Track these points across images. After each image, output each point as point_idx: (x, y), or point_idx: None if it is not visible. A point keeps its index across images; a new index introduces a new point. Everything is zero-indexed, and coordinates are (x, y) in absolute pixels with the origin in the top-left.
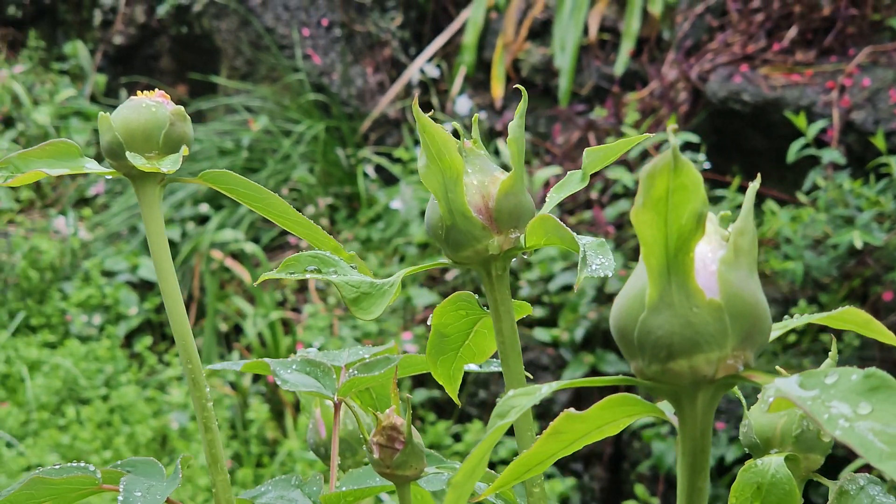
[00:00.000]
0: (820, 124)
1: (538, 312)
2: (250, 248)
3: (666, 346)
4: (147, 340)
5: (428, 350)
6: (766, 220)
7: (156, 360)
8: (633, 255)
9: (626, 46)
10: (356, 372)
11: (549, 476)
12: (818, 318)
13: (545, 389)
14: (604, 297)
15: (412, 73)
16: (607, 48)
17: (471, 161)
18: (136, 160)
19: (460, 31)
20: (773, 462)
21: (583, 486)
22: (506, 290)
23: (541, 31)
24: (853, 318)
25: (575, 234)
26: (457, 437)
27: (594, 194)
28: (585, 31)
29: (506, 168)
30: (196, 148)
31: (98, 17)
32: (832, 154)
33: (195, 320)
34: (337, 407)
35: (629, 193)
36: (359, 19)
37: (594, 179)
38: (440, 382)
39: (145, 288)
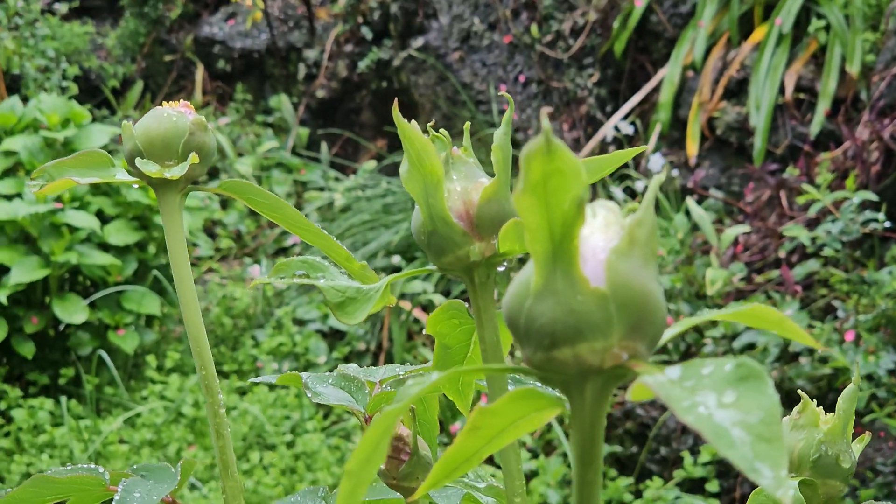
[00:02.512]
0: None
1: None
2: (439, 300)
3: (549, 333)
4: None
5: (434, 362)
6: None
7: (342, 409)
8: (821, 316)
9: (823, 106)
10: (388, 387)
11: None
12: (724, 314)
13: (434, 376)
14: (788, 355)
15: (607, 129)
16: (803, 107)
17: (457, 168)
18: (147, 167)
19: (656, 89)
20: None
21: None
22: (489, 297)
23: (736, 90)
24: (765, 317)
25: None
26: (638, 494)
27: (782, 253)
28: (781, 90)
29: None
30: (391, 200)
31: (302, 71)
32: None
33: None
34: (367, 421)
35: (816, 254)
36: (556, 76)
37: (782, 240)
38: (449, 397)
39: (335, 337)
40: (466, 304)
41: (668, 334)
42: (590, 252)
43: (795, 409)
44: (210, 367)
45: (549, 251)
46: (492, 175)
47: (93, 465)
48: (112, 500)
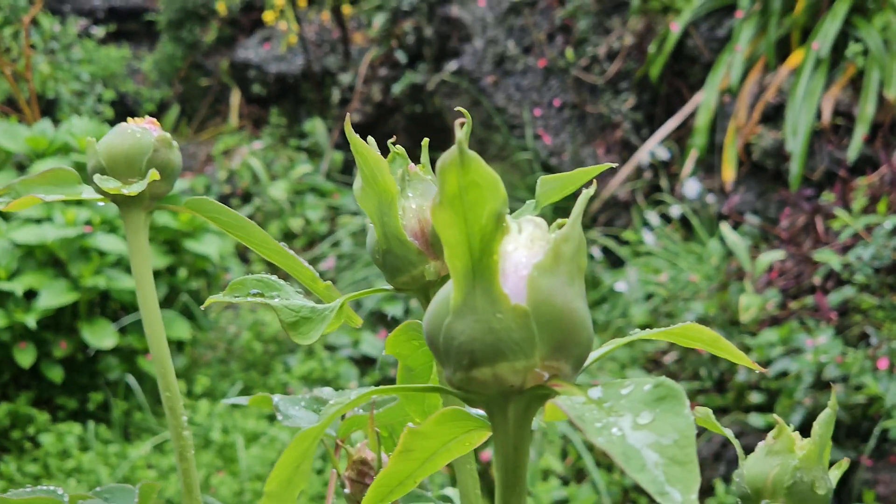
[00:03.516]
0: None
1: (755, 398)
2: None
3: (468, 352)
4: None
5: (398, 385)
6: None
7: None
8: (854, 342)
9: (860, 131)
10: (361, 410)
11: None
12: (658, 332)
13: (353, 394)
14: (821, 383)
15: (643, 154)
16: (840, 133)
17: (413, 185)
18: (106, 183)
19: (693, 115)
20: None
21: None
22: None
23: (773, 115)
24: (698, 336)
25: None
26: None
27: (817, 280)
28: (818, 115)
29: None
30: None
31: (336, 95)
32: None
33: None
34: (337, 446)
35: (851, 280)
36: (591, 100)
37: (817, 266)
38: (415, 420)
39: (366, 363)
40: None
41: (594, 355)
42: (512, 268)
43: (770, 433)
44: (174, 389)
45: (468, 267)
46: None
47: (51, 487)
48: None
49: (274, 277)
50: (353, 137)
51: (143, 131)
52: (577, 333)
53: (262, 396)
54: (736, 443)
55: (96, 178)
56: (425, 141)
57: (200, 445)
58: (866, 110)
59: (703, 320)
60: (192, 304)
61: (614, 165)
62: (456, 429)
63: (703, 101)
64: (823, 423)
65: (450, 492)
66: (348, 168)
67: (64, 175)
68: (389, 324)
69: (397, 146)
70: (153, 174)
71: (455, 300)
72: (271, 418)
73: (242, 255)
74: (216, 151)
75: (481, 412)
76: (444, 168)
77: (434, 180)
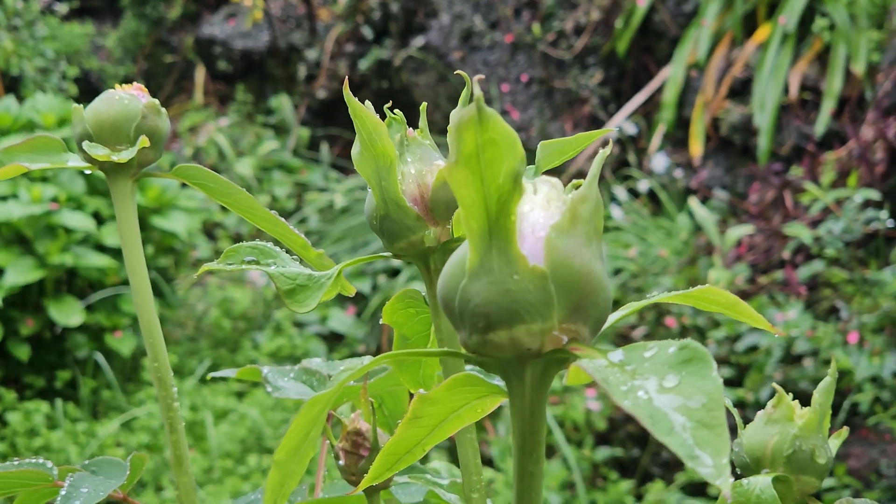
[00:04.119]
0: None
1: (724, 373)
2: None
3: (484, 315)
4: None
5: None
6: None
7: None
8: (824, 317)
9: (828, 106)
10: (352, 381)
11: None
12: (677, 296)
13: (366, 360)
14: (791, 357)
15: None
16: (808, 107)
17: (412, 150)
18: (94, 150)
19: (660, 89)
20: (760, 482)
21: None
22: None
23: (741, 90)
24: (716, 299)
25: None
26: (639, 497)
27: (786, 254)
28: (786, 89)
29: None
30: None
31: (303, 71)
32: None
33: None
34: (329, 417)
35: (821, 255)
36: (558, 75)
37: (787, 240)
38: (411, 390)
39: (335, 339)
40: (423, 293)
41: (613, 318)
42: (529, 229)
43: (770, 402)
44: (163, 359)
45: (484, 228)
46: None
47: (40, 460)
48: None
49: (269, 244)
50: (352, 101)
51: (130, 98)
52: (595, 295)
53: (251, 368)
54: (734, 411)
55: (85, 144)
56: (423, 105)
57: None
58: (833, 85)
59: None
60: (161, 281)
61: (612, 130)
62: (468, 395)
63: (671, 76)
64: (823, 392)
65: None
66: (315, 144)
67: (48, 143)
68: (356, 300)
69: (396, 111)
70: (143, 141)
71: (471, 262)
72: (240, 395)
73: (209, 232)
74: (182, 128)
75: (495, 378)
76: (460, 126)
77: (433, 145)
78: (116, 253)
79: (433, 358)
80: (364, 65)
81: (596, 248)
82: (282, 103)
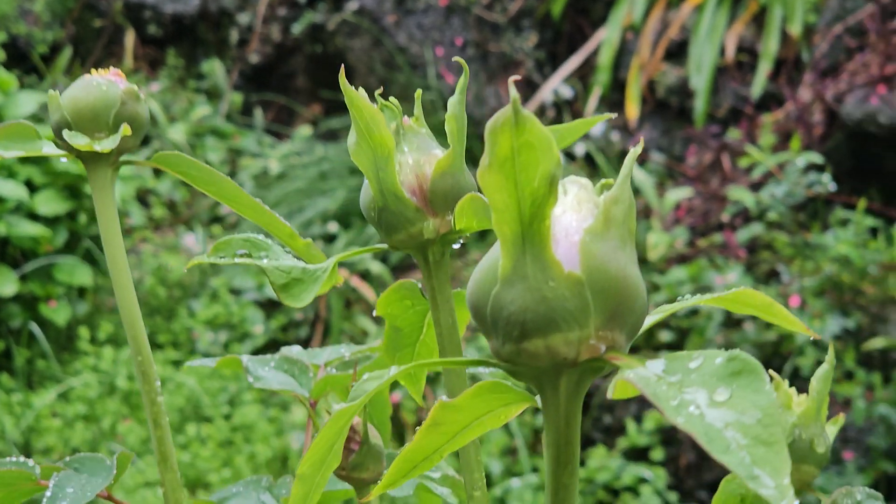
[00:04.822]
0: None
1: (665, 337)
2: (377, 267)
3: (518, 323)
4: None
5: (384, 345)
6: None
7: None
8: (765, 280)
9: (764, 67)
10: (334, 370)
11: None
12: (711, 298)
13: (393, 370)
14: (732, 321)
15: (546, 93)
16: (744, 69)
17: (408, 139)
18: (75, 139)
19: (595, 52)
20: None
21: None
22: (444, 277)
23: (677, 52)
24: (751, 301)
25: None
26: (581, 463)
27: (725, 217)
28: (722, 51)
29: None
30: (327, 167)
31: (235, 36)
32: None
33: (322, 339)
34: (312, 406)
35: (760, 217)
36: (493, 39)
37: (725, 203)
38: (401, 382)
39: (272, 306)
40: (419, 284)
41: (647, 322)
42: (562, 233)
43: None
44: (146, 352)
45: (517, 233)
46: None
47: (22, 459)
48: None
49: (261, 236)
50: (348, 89)
51: (109, 83)
52: (631, 301)
53: (231, 358)
54: None
55: (65, 133)
56: (418, 92)
57: (106, 393)
58: (770, 46)
59: None
60: (95, 249)
61: (613, 116)
62: (493, 402)
63: (606, 39)
64: (821, 379)
65: None
66: (248, 110)
67: (22, 130)
68: None
69: (390, 98)
70: (125, 129)
71: (504, 268)
72: (177, 364)
73: (143, 199)
74: None
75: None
76: (495, 129)
77: (429, 133)
78: (49, 221)
79: (424, 349)
80: (297, 29)
81: (630, 252)
82: (214, 68)
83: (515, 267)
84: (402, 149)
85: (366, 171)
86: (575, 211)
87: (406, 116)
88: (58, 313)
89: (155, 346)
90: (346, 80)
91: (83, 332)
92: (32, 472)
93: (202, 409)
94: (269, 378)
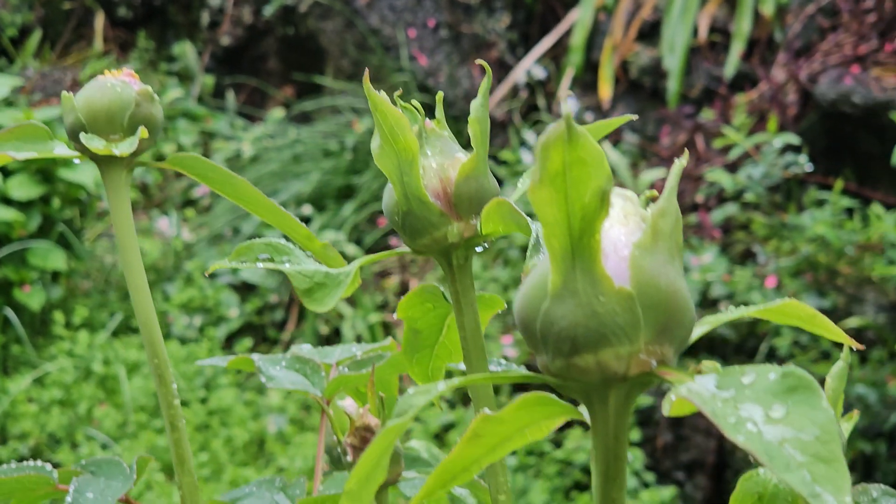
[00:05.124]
0: None
1: None
2: (352, 250)
3: (569, 338)
4: (247, 343)
5: (403, 347)
6: (872, 224)
7: None
8: (740, 260)
9: (737, 48)
10: (346, 370)
11: (646, 485)
12: (755, 310)
13: (441, 386)
14: (708, 301)
15: (519, 74)
16: (717, 49)
17: (431, 142)
18: (92, 142)
19: (568, 33)
20: None
21: (685, 496)
22: (468, 280)
23: (650, 33)
24: (795, 312)
25: (530, 219)
26: (558, 444)
27: (700, 198)
28: (695, 32)
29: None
30: (300, 150)
31: (206, 18)
32: None
33: (296, 323)
34: (327, 404)
35: (735, 198)
36: (466, 20)
37: (699, 183)
38: (418, 383)
39: (246, 290)
40: (441, 287)
41: (694, 334)
42: (611, 248)
43: None
44: (162, 356)
45: (567, 248)
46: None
47: (40, 463)
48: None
49: (283, 241)
50: (372, 94)
51: (123, 85)
52: (681, 315)
53: (243, 358)
54: None
55: (82, 137)
56: (440, 95)
57: (82, 378)
58: (742, 26)
59: None
60: (68, 233)
61: (634, 118)
62: (537, 415)
63: (579, 19)
64: (836, 377)
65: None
66: (220, 92)
67: (34, 131)
68: None
69: (412, 101)
70: (142, 132)
71: (554, 283)
72: None
73: None
74: (83, 77)
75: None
76: (547, 145)
77: (450, 136)
78: (22, 206)
79: (443, 350)
80: (269, 11)
81: (678, 265)
82: (185, 50)
83: (566, 282)
84: (426, 152)
85: (390, 175)
86: (622, 224)
87: (428, 119)
88: (32, 298)
89: (129, 329)
90: (310, 62)
91: (58, 316)
92: (50, 476)
93: (178, 393)
94: (281, 378)
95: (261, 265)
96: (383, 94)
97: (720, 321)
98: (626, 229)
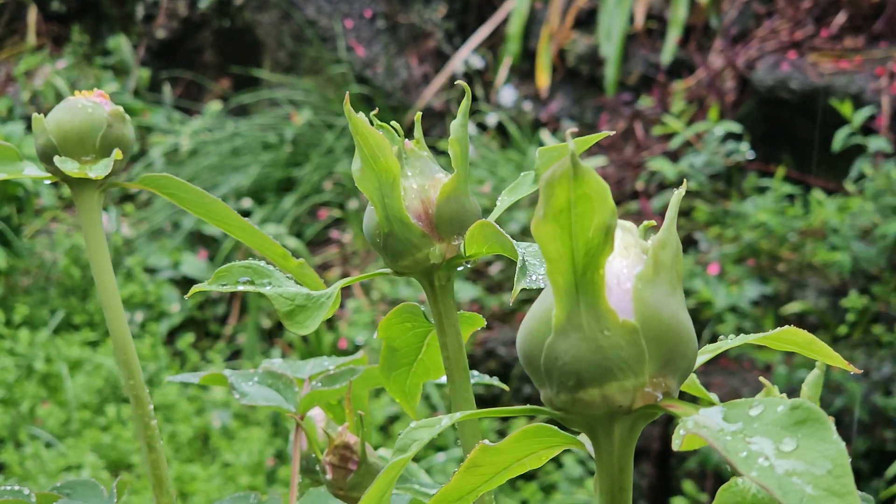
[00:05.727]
0: (867, 112)
1: None
2: (293, 243)
3: (574, 373)
4: (189, 338)
5: (380, 365)
6: (813, 210)
7: (198, 358)
8: (683, 248)
9: (673, 34)
10: (319, 384)
11: (591, 472)
12: (755, 338)
13: (445, 421)
14: None
15: (456, 64)
16: (654, 36)
17: (411, 163)
18: (66, 165)
19: (505, 22)
20: None
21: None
22: (450, 301)
23: (586, 20)
24: (793, 339)
25: (515, 242)
26: (502, 434)
27: (640, 185)
28: (632, 19)
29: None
30: (239, 143)
31: (141, 11)
32: (879, 142)
33: (238, 317)
34: (298, 425)
35: (676, 184)
36: (402, 10)
37: (639, 171)
38: (396, 399)
39: (188, 285)
40: (421, 307)
41: (699, 361)
42: (614, 280)
43: (758, 395)
44: (137, 378)
45: (570, 282)
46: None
47: (16, 487)
48: None
49: (262, 263)
50: (353, 117)
51: (94, 105)
52: (684, 347)
53: (216, 374)
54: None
55: (56, 160)
56: (418, 115)
57: (24, 376)
58: (678, 13)
59: (526, 230)
60: (7, 230)
61: (611, 133)
62: (537, 446)
63: (515, 8)
64: (812, 385)
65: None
66: (156, 86)
67: (3, 151)
68: (208, 243)
69: (391, 122)
70: (117, 153)
71: (558, 318)
72: (94, 344)
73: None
74: (18, 72)
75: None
76: (552, 181)
77: (430, 156)
78: None
79: (421, 368)
80: (204, 3)
81: (679, 296)
82: (120, 44)
83: (570, 317)
84: (406, 173)
85: (371, 197)
86: (623, 257)
87: (407, 140)
88: None
89: (70, 326)
90: (247, 55)
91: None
92: (28, 500)
93: (121, 391)
94: (254, 394)
95: (241, 288)
96: (362, 114)
97: (720, 349)
98: (628, 261)
